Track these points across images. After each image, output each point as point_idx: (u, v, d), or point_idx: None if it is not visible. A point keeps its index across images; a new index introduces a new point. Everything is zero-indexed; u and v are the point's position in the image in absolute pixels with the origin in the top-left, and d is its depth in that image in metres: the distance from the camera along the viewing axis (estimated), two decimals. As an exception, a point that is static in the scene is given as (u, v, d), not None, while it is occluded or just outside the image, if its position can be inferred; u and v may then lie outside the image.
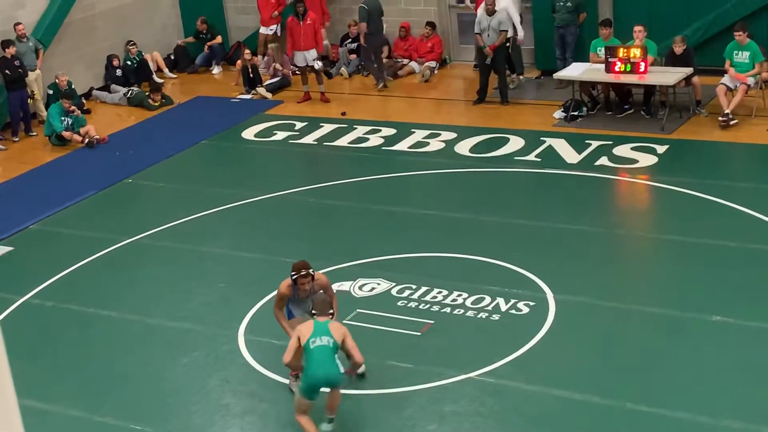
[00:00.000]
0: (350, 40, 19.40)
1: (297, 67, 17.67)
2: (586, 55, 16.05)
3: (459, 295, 10.41)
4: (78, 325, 10.79)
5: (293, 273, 8.66)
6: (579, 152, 14.12)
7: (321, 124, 16.48)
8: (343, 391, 8.49)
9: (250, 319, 10.32)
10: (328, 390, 8.23)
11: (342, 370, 8.08)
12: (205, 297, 11.06)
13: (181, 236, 12.71)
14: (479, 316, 10.03)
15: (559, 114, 15.71)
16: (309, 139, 15.94)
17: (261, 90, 18.39)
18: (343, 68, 19.17)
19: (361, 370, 8.99)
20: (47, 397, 9.34)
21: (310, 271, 8.64)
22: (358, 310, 10.26)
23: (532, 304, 10.12)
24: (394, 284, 10.77)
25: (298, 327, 8.27)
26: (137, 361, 9.94)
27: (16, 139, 17.05)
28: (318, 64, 17.56)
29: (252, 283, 11.17)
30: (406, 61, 19.06)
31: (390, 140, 15.44)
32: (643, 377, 8.84)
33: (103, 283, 11.71)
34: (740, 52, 14.78)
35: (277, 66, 18.88)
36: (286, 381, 9.07)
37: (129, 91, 18.89)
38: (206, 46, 20.50)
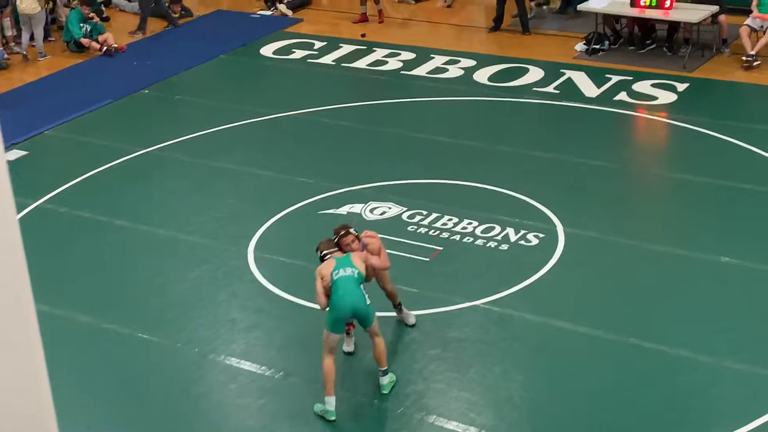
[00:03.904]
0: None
1: None
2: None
3: (469, 223, 10.42)
4: (90, 233, 10.86)
5: (334, 236, 8.12)
6: (598, 86, 14.00)
7: (340, 45, 16.36)
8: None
9: (259, 237, 10.37)
10: (360, 326, 7.98)
11: (368, 302, 7.79)
12: (216, 212, 11.10)
13: (195, 150, 12.71)
14: (488, 245, 10.06)
15: (580, 47, 15.54)
16: (327, 59, 15.83)
17: (282, 7, 18.21)
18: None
19: (412, 321, 8.81)
20: (55, 301, 9.41)
21: (350, 230, 8.10)
22: (367, 233, 10.28)
23: (541, 236, 10.14)
24: (405, 209, 10.78)
25: (318, 268, 7.89)
26: (146, 272, 10.02)
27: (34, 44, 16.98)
28: None
29: (263, 201, 11.20)
30: (429, -16, 18.83)
31: (409, 65, 15.33)
32: (647, 314, 8.88)
33: (116, 192, 11.76)
34: (769, -10, 14.55)
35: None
36: (294, 299, 9.14)
37: None
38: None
